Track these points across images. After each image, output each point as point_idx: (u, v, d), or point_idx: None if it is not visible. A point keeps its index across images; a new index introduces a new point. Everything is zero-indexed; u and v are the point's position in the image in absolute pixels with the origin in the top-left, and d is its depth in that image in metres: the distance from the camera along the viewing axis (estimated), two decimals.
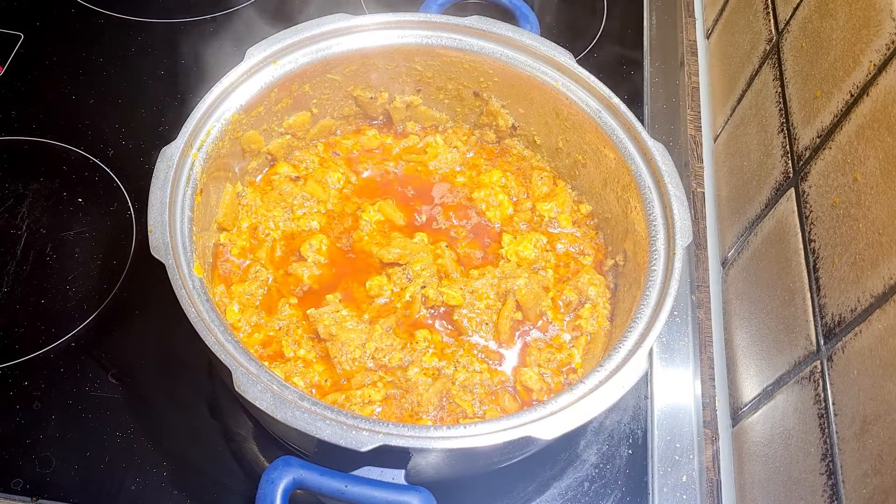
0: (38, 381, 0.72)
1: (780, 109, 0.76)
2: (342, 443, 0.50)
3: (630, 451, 0.73)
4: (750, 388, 0.73)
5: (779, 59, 0.78)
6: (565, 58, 0.72)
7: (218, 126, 0.67)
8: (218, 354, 0.53)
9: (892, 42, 0.57)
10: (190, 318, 0.55)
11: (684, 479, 0.72)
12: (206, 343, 0.54)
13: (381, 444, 0.50)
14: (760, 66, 0.83)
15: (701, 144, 0.94)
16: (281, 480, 0.51)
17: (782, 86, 0.77)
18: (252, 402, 0.52)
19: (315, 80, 0.74)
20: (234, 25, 1.01)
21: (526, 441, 0.53)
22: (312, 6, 1.04)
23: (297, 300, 0.70)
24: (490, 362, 0.68)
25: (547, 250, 0.75)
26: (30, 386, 0.72)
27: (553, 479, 0.71)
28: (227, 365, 0.53)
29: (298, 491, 0.51)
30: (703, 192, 0.91)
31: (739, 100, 0.88)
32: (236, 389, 0.52)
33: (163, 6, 1.03)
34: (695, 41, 1.03)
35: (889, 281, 0.53)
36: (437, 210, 0.77)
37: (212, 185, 0.68)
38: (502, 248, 0.75)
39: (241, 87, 0.69)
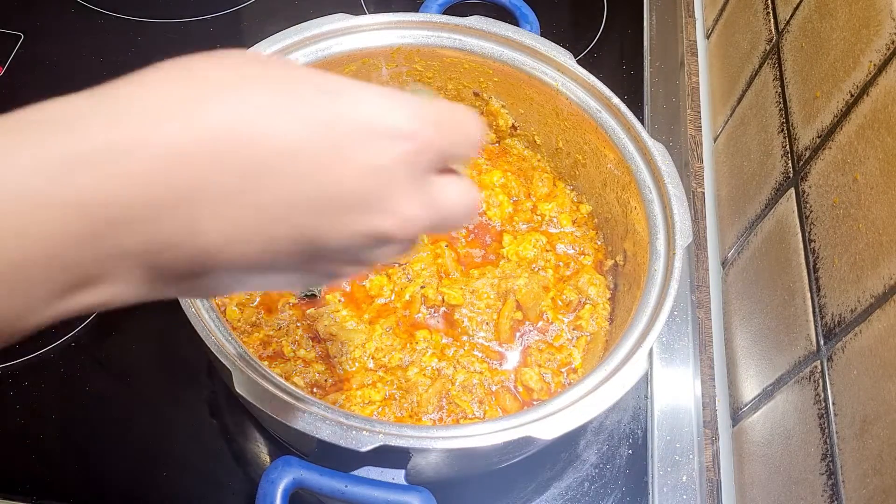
0: (38, 381, 0.72)
1: (780, 109, 0.76)
2: (342, 443, 0.50)
3: (630, 451, 0.73)
4: (750, 388, 0.73)
5: (779, 59, 0.78)
6: (565, 58, 0.72)
7: None
8: (218, 354, 0.53)
9: (893, 42, 0.57)
10: (190, 318, 0.55)
11: (684, 479, 0.72)
12: (206, 343, 0.54)
13: (381, 444, 0.50)
14: (760, 66, 0.83)
15: (701, 144, 0.94)
16: (281, 480, 0.51)
17: (782, 86, 0.77)
18: (252, 402, 0.52)
19: None
20: (234, 25, 1.01)
21: (526, 441, 0.53)
22: (312, 6, 1.04)
23: (297, 300, 0.70)
24: (490, 362, 0.68)
25: (547, 250, 0.75)
26: (30, 386, 0.72)
27: (553, 479, 0.71)
28: (227, 365, 0.53)
29: (298, 491, 0.51)
30: (703, 192, 0.91)
31: (739, 100, 0.88)
32: (236, 389, 0.52)
33: (163, 6, 1.03)
34: (695, 41, 1.03)
35: (889, 281, 0.53)
36: None
37: None
38: (503, 248, 0.75)
39: None
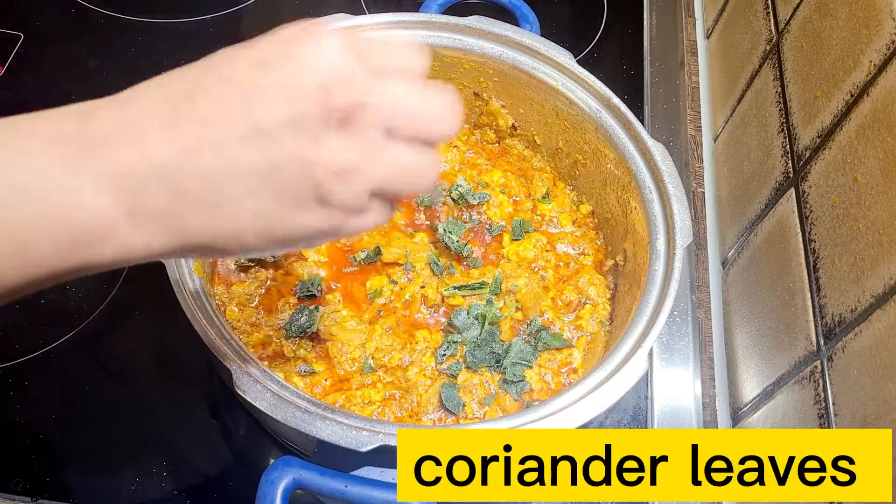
0: (38, 381, 0.72)
1: (781, 109, 0.76)
2: (342, 443, 0.50)
3: None
4: (750, 389, 0.73)
5: (779, 59, 0.78)
6: (565, 58, 0.72)
7: None
8: (218, 355, 0.53)
9: (893, 42, 0.57)
10: (190, 319, 0.55)
11: None
12: (206, 343, 0.54)
13: (382, 444, 0.50)
14: (760, 66, 0.83)
15: (701, 144, 0.94)
16: (281, 480, 0.51)
17: (782, 86, 0.77)
18: (252, 402, 0.52)
19: None
20: (234, 26, 1.01)
21: None
22: (313, 6, 1.04)
23: (297, 300, 0.70)
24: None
25: (547, 250, 0.75)
26: (30, 386, 0.72)
27: None
28: (227, 365, 0.53)
29: (298, 491, 0.51)
30: (703, 192, 0.91)
31: (739, 100, 0.88)
32: (236, 389, 0.52)
33: (163, 6, 1.03)
34: (695, 41, 1.03)
35: (889, 281, 0.53)
36: (437, 210, 0.77)
37: None
38: (503, 247, 0.75)
39: None
